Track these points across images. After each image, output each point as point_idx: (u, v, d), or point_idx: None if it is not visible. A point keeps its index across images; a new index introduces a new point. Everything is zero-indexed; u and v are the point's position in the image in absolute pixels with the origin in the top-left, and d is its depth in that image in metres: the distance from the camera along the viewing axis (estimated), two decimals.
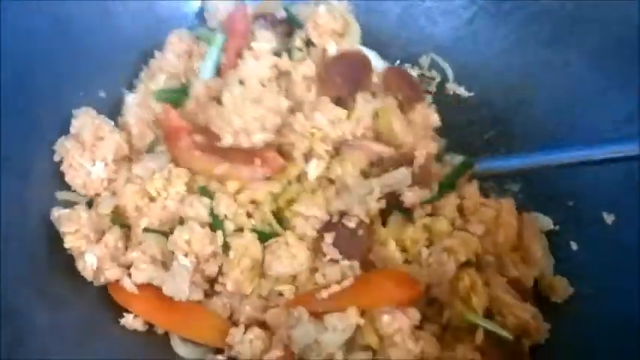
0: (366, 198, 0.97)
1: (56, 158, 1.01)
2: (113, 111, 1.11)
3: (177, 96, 1.11)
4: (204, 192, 1.00)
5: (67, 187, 1.02)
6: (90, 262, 0.93)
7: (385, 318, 0.87)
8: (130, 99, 1.11)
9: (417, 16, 1.29)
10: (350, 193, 0.99)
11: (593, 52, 1.09)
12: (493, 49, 1.22)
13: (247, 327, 0.93)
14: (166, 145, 1.05)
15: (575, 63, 1.12)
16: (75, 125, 1.02)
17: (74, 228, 0.94)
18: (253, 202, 1.02)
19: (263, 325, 0.95)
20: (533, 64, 1.16)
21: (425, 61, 1.31)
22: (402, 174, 1.00)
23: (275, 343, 0.90)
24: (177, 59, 1.17)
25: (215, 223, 0.98)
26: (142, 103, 1.10)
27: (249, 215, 1.01)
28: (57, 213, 0.96)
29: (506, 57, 1.21)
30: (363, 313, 0.90)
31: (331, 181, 1.04)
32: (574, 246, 1.06)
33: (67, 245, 0.94)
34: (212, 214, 0.98)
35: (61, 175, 1.01)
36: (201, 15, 1.28)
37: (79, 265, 0.94)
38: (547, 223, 1.09)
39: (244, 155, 0.99)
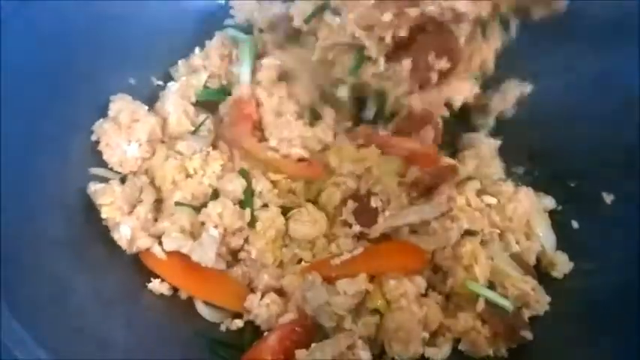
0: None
1: (93, 138, 1.11)
2: (142, 97, 1.19)
3: (217, 95, 1.21)
4: (243, 173, 1.09)
5: (103, 166, 1.11)
6: (124, 234, 1.02)
7: (392, 283, 0.94)
8: (172, 88, 1.19)
9: None
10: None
11: (593, 41, 1.14)
12: None
13: (264, 293, 1.01)
14: (227, 127, 1.15)
15: (575, 51, 1.17)
16: (113, 109, 1.11)
17: (109, 200, 1.03)
18: (290, 191, 1.11)
19: (279, 292, 1.02)
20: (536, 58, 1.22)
21: None
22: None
23: (290, 307, 0.97)
24: (219, 61, 1.25)
25: (246, 201, 1.06)
26: (182, 94, 1.19)
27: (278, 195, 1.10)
28: (93, 187, 1.06)
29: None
30: (372, 280, 0.97)
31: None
32: (575, 224, 1.11)
33: (103, 216, 1.03)
34: (246, 192, 1.07)
35: (98, 154, 1.11)
36: (226, 9, 1.36)
37: (115, 236, 1.02)
38: (550, 202, 1.14)
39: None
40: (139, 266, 1.04)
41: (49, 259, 0.93)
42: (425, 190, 1.05)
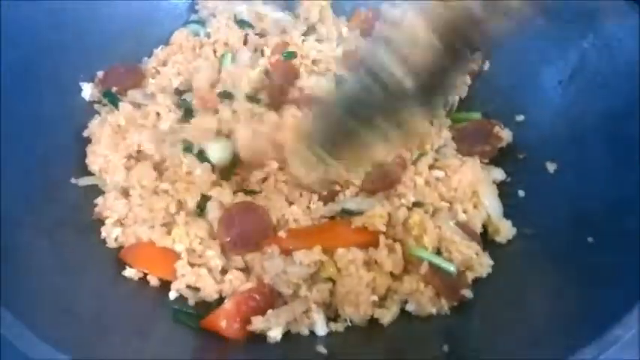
0: None
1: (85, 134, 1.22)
2: None
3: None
4: None
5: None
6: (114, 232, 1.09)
7: (340, 251, 1.03)
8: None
9: None
10: None
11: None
12: None
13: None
14: None
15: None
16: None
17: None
18: None
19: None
20: None
21: None
22: None
23: (251, 279, 1.06)
24: (182, 56, 1.32)
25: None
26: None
27: None
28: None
29: None
30: (325, 252, 1.05)
31: None
32: (521, 193, 1.17)
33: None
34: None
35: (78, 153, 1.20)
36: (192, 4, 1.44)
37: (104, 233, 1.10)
38: (499, 174, 1.21)
39: None
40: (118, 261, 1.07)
41: (26, 254, 0.95)
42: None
